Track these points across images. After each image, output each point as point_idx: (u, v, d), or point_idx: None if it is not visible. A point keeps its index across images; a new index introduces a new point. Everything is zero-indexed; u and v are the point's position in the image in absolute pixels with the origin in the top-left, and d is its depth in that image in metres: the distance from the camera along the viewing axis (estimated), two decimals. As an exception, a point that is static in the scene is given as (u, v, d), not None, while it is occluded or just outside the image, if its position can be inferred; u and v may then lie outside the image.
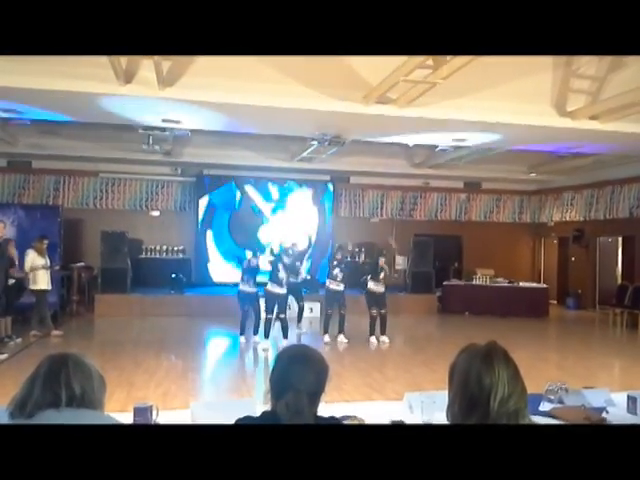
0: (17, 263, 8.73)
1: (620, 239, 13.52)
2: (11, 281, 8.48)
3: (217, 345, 9.84)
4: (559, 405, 2.88)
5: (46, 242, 9.34)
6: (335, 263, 9.55)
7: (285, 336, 8.79)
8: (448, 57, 5.59)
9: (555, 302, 14.66)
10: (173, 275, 12.42)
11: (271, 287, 8.83)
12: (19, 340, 8.60)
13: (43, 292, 9.18)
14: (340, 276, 9.41)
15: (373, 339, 9.20)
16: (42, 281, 9.12)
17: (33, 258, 9.04)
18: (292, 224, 13.89)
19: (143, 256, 13.43)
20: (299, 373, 1.73)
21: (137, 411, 2.49)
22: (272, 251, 9.40)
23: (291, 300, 9.91)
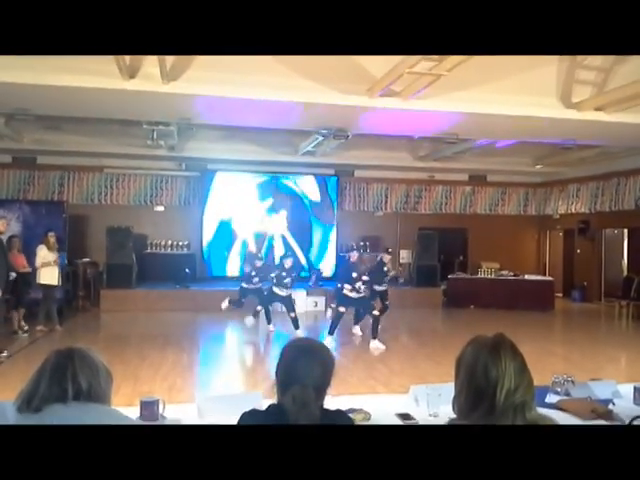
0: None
1: (626, 231, 13.47)
2: (12, 275, 8.51)
3: (222, 339, 9.86)
4: (565, 397, 2.88)
5: (52, 234, 9.36)
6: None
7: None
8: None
9: (561, 295, 14.62)
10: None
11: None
12: (25, 335, 8.67)
13: (50, 287, 9.22)
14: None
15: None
16: (50, 276, 9.16)
17: (45, 254, 9.09)
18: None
19: (148, 251, 13.44)
20: (305, 366, 1.72)
21: (144, 405, 2.49)
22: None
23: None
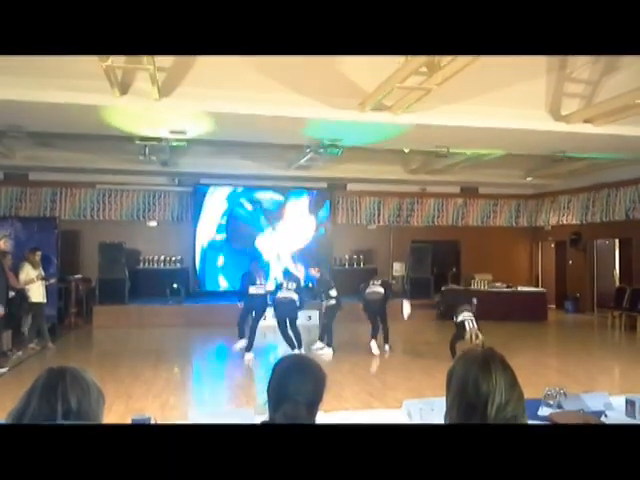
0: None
1: (617, 242, 13.55)
2: (11, 294, 8.45)
3: (215, 355, 9.81)
4: (558, 410, 2.88)
5: (39, 254, 9.31)
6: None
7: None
8: (442, 63, 5.61)
9: (553, 306, 14.66)
10: (174, 285, 12.43)
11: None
12: (20, 353, 8.59)
13: (39, 305, 9.16)
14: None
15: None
16: (38, 294, 9.11)
17: (27, 271, 9.03)
18: (288, 234, 14.08)
19: (141, 267, 13.40)
20: (296, 383, 1.72)
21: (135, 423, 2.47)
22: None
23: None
